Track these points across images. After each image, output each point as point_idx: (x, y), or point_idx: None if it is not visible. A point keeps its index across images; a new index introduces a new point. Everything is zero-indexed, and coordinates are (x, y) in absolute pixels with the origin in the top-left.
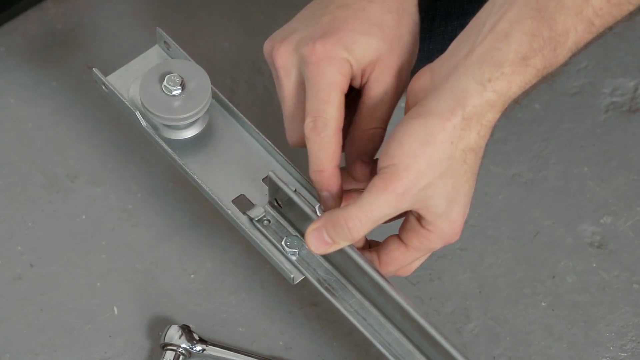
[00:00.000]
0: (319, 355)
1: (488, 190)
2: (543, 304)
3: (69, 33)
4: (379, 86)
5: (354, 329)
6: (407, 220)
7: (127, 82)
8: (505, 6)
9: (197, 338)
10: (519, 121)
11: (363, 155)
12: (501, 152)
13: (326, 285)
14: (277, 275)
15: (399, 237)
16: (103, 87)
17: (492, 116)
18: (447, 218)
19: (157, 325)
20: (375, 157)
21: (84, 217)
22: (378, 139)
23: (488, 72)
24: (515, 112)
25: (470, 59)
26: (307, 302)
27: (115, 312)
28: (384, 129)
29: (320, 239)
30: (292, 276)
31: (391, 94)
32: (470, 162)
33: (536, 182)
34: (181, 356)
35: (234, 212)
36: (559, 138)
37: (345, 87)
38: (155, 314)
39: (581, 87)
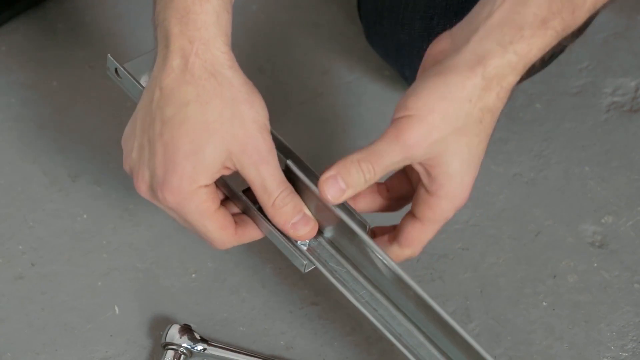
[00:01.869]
0: (320, 354)
1: (489, 189)
2: (544, 303)
3: (70, 32)
4: (248, 172)
5: (355, 328)
6: (418, 195)
7: (139, 73)
8: None
9: (198, 337)
10: (520, 121)
11: (289, 219)
12: (502, 152)
13: (337, 275)
14: (278, 275)
15: (412, 215)
16: (116, 75)
17: (512, 79)
18: (458, 179)
19: (158, 325)
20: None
21: (85, 216)
22: (288, 199)
23: (509, 35)
24: (517, 111)
25: (491, 22)
26: (308, 301)
27: (117, 311)
28: (288, 188)
29: (336, 186)
30: (304, 263)
31: (262, 166)
32: (486, 123)
33: (537, 181)
34: (182, 356)
35: (246, 200)
36: (560, 138)
37: (214, 205)
38: (156, 313)
39: (582, 87)
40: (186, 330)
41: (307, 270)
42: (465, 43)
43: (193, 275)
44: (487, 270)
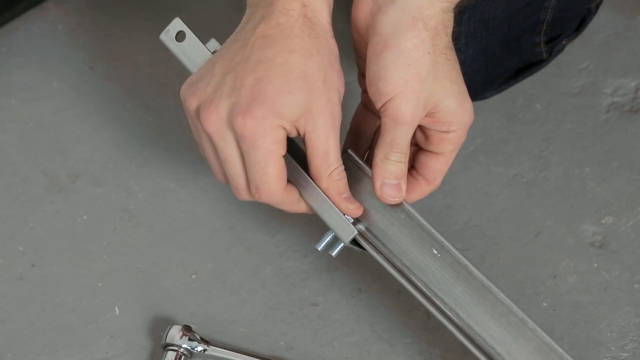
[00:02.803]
0: (320, 355)
1: (489, 190)
2: (544, 304)
3: (70, 33)
4: (318, 135)
5: (355, 329)
6: (431, 136)
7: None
8: None
9: (199, 338)
10: (520, 121)
11: (342, 192)
12: (502, 153)
13: (379, 250)
14: (278, 276)
15: (430, 152)
16: (175, 40)
17: (451, 16)
18: (460, 109)
19: (159, 326)
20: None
21: (85, 217)
22: (343, 174)
23: None
24: (517, 112)
25: None
26: (308, 302)
27: (117, 312)
28: (342, 164)
29: (392, 186)
30: (354, 232)
31: (332, 134)
32: (451, 56)
33: (537, 182)
34: (182, 356)
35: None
36: (560, 138)
37: (282, 151)
38: (157, 314)
39: (582, 87)
40: (187, 331)
41: (348, 242)
42: (390, 5)
43: (193, 276)
44: (487, 270)
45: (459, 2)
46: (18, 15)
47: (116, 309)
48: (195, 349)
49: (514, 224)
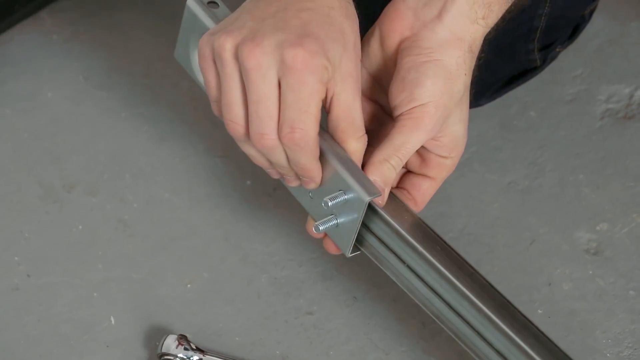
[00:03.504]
0: None
1: (484, 198)
2: (540, 311)
3: (65, 44)
4: (347, 97)
5: (350, 337)
6: (430, 160)
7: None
8: None
9: (194, 347)
10: (515, 128)
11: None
12: (497, 160)
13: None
14: (273, 285)
15: (424, 176)
16: (207, 6)
17: (481, 39)
18: (463, 139)
19: (154, 335)
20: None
21: (80, 227)
22: (365, 144)
23: (480, 12)
24: (511, 119)
25: (458, 1)
26: (303, 311)
27: (112, 322)
28: (365, 134)
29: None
30: (375, 193)
31: (359, 99)
32: (469, 80)
33: (532, 189)
34: None
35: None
36: (555, 145)
37: (323, 95)
38: (152, 323)
39: (576, 94)
40: (182, 340)
41: (371, 199)
42: (437, 21)
43: (188, 285)
44: None
45: (491, 25)
46: (12, 26)
47: (112, 318)
48: (191, 358)
49: (508, 231)
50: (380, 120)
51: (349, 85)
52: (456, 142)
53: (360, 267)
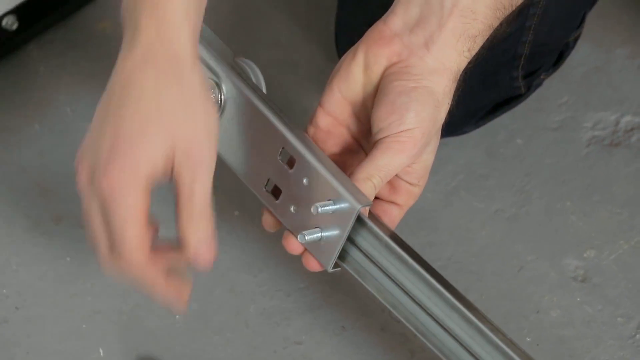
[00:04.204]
0: None
1: (471, 226)
2: (528, 339)
3: (52, 75)
4: (200, 187)
5: None
6: (399, 187)
7: None
8: None
9: None
10: (501, 156)
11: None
12: (484, 188)
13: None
14: (261, 315)
15: (393, 203)
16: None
17: (464, 66)
18: (430, 168)
19: None
20: None
21: (68, 259)
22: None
23: (466, 45)
24: (497, 147)
25: (445, 32)
26: (291, 341)
27: (101, 354)
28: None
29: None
30: (368, 202)
31: (210, 181)
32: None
33: (519, 217)
34: None
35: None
36: (541, 173)
37: (144, 206)
38: (141, 355)
39: (562, 122)
40: None
41: (362, 206)
42: (424, 50)
43: (177, 316)
44: None
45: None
46: None
47: (100, 350)
48: None
49: (496, 259)
50: (349, 147)
51: (189, 163)
52: (426, 170)
53: (348, 297)
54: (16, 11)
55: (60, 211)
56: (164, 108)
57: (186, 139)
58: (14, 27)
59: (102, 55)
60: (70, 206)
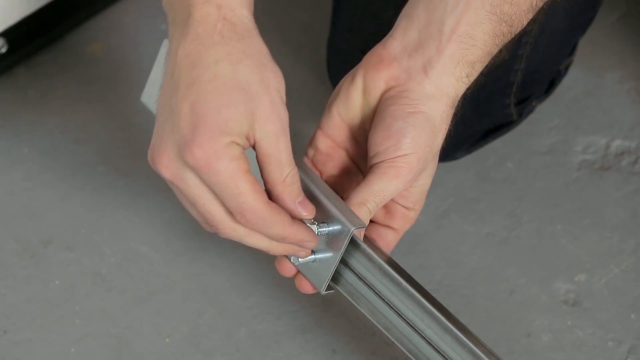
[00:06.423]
0: None
1: (462, 249)
2: None
3: (41, 99)
4: (269, 141)
5: None
6: (395, 211)
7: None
8: (460, 7)
9: None
10: (492, 180)
11: (296, 197)
12: (474, 211)
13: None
14: (252, 338)
15: (388, 227)
16: None
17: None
18: (427, 192)
19: None
20: None
21: (57, 282)
22: (296, 178)
23: (464, 71)
24: (488, 171)
25: (444, 58)
26: None
27: None
28: (295, 167)
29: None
30: (364, 225)
31: (282, 137)
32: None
33: (510, 240)
34: None
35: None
36: (532, 196)
37: (246, 165)
38: None
39: (553, 145)
40: None
41: (356, 228)
42: (422, 75)
43: (167, 340)
44: None
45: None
46: None
47: None
48: None
49: (487, 282)
50: (347, 169)
51: (268, 129)
52: (422, 195)
53: (339, 320)
54: (6, 34)
55: (48, 234)
56: (242, 81)
57: (265, 107)
58: (4, 49)
59: (92, 78)
60: (59, 229)
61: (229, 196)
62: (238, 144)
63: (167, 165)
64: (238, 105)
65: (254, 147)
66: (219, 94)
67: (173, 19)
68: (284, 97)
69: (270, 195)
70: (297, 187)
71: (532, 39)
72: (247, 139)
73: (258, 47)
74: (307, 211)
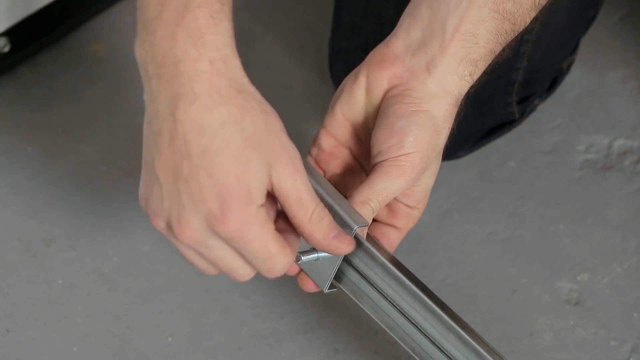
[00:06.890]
0: None
1: (464, 249)
2: None
3: (44, 98)
4: (285, 184)
5: None
6: (399, 210)
7: None
8: (463, 6)
9: None
10: (494, 179)
11: (329, 232)
12: (477, 211)
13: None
14: (254, 337)
15: (391, 226)
16: None
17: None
18: (430, 191)
19: None
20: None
21: (60, 281)
22: (324, 213)
23: (468, 69)
24: (490, 170)
25: (446, 56)
26: None
27: None
28: (320, 202)
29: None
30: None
31: (298, 176)
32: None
33: (512, 240)
34: None
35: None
36: (535, 196)
37: (272, 224)
38: None
39: (555, 145)
40: None
41: (359, 227)
42: (426, 74)
43: (169, 339)
44: None
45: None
46: None
47: None
48: None
49: (489, 282)
50: (351, 168)
51: (281, 171)
52: (425, 194)
53: (342, 319)
54: (8, 33)
55: (51, 233)
56: (250, 137)
57: (276, 153)
58: (6, 49)
59: (94, 77)
60: (62, 228)
61: (260, 259)
62: (262, 206)
63: (191, 236)
64: (254, 167)
65: (273, 194)
66: (235, 160)
67: (157, 74)
68: (285, 131)
69: (301, 234)
70: (326, 223)
71: (534, 37)
72: (267, 190)
73: (253, 94)
74: (345, 244)
